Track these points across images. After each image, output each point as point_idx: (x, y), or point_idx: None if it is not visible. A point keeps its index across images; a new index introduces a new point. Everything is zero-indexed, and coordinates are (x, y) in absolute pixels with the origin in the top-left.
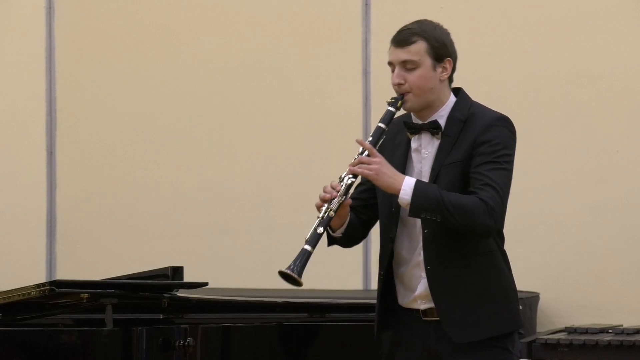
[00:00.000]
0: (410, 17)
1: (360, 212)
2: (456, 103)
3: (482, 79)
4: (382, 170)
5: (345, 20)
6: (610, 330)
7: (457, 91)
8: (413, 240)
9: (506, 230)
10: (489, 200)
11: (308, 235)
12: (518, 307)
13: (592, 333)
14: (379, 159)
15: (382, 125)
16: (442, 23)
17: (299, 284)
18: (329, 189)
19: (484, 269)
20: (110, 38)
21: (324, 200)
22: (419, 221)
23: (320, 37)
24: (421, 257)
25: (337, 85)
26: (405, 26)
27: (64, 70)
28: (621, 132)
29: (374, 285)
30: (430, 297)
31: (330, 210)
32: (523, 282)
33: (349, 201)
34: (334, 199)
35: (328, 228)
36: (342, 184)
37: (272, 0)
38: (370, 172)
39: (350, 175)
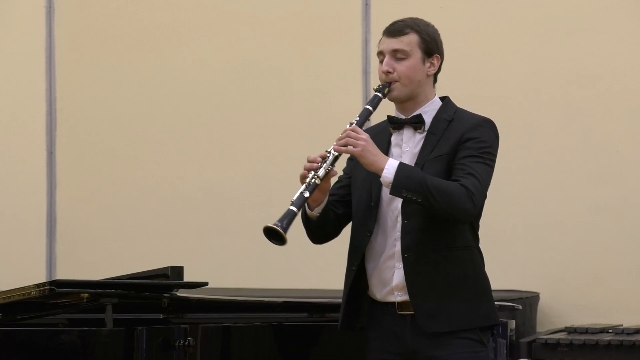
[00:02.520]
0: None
1: (335, 207)
2: (442, 106)
3: (482, 79)
4: (367, 148)
5: (345, 20)
6: (610, 330)
7: (444, 99)
8: (389, 234)
9: (506, 230)
10: (469, 186)
11: (294, 198)
12: (494, 304)
13: (592, 333)
14: (365, 137)
15: (369, 107)
16: (442, 23)
17: (283, 241)
18: (316, 157)
19: (462, 263)
20: (110, 38)
21: (309, 169)
22: (396, 214)
23: (320, 37)
24: (397, 248)
25: (337, 85)
26: (399, 19)
27: (64, 70)
28: (621, 132)
29: None
30: (406, 289)
31: (317, 177)
32: (523, 282)
33: (335, 172)
34: (321, 167)
35: (306, 206)
36: (329, 153)
37: (272, 0)
38: (356, 149)
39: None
